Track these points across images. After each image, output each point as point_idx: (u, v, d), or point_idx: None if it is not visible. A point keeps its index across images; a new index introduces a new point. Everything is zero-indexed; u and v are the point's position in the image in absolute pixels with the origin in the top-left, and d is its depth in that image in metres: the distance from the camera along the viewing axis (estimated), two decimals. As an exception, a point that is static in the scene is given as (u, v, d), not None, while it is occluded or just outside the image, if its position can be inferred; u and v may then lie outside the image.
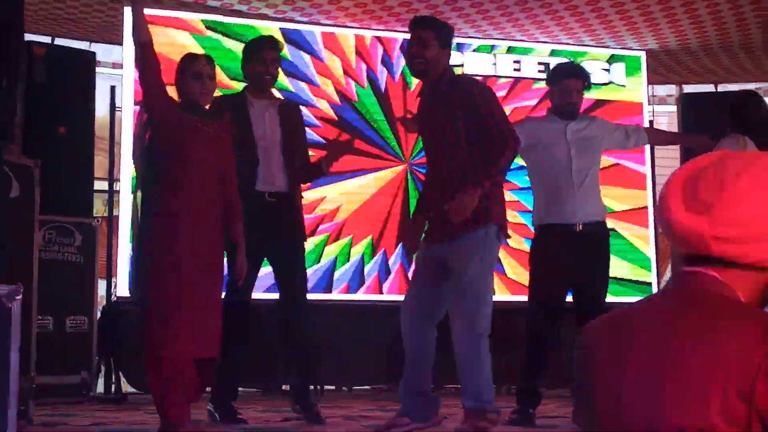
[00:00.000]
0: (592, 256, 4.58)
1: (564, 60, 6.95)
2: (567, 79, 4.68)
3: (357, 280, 7.13)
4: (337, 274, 7.08)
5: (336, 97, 7.25)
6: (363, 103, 7.30)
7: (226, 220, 3.91)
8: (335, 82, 7.27)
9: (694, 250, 1.44)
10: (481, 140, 3.96)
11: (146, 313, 3.68)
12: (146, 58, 3.80)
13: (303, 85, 7.15)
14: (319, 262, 7.00)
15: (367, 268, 7.15)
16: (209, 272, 3.77)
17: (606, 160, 6.83)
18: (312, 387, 5.02)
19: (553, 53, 7.76)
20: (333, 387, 7.04)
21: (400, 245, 7.02)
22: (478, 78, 6.90)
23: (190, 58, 4.00)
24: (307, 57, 7.21)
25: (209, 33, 7.01)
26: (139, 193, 4.07)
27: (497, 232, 3.96)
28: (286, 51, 6.62)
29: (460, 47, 7.48)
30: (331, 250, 7.08)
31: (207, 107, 4.00)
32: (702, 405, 1.30)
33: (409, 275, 6.42)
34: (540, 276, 4.59)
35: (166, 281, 3.66)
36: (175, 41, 6.80)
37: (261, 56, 4.62)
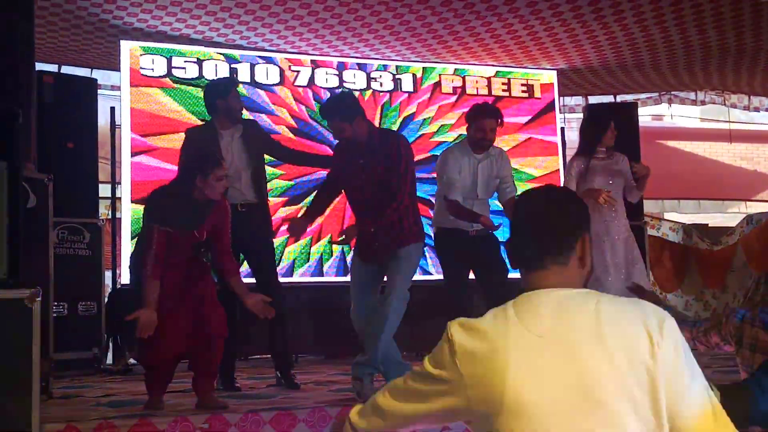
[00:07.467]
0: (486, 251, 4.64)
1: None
2: (485, 118, 4.55)
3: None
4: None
5: (292, 122, 7.12)
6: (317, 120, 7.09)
7: None
8: (290, 110, 7.14)
9: None
10: (388, 183, 4.06)
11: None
12: None
13: (263, 116, 6.94)
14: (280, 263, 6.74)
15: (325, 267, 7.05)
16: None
17: (518, 137, 7.50)
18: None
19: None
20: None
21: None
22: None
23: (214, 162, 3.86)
24: (261, 92, 7.07)
25: (176, 86, 6.83)
26: None
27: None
28: (242, 88, 6.63)
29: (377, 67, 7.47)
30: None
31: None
32: None
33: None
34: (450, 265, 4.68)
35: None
36: (152, 98, 6.72)
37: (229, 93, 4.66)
